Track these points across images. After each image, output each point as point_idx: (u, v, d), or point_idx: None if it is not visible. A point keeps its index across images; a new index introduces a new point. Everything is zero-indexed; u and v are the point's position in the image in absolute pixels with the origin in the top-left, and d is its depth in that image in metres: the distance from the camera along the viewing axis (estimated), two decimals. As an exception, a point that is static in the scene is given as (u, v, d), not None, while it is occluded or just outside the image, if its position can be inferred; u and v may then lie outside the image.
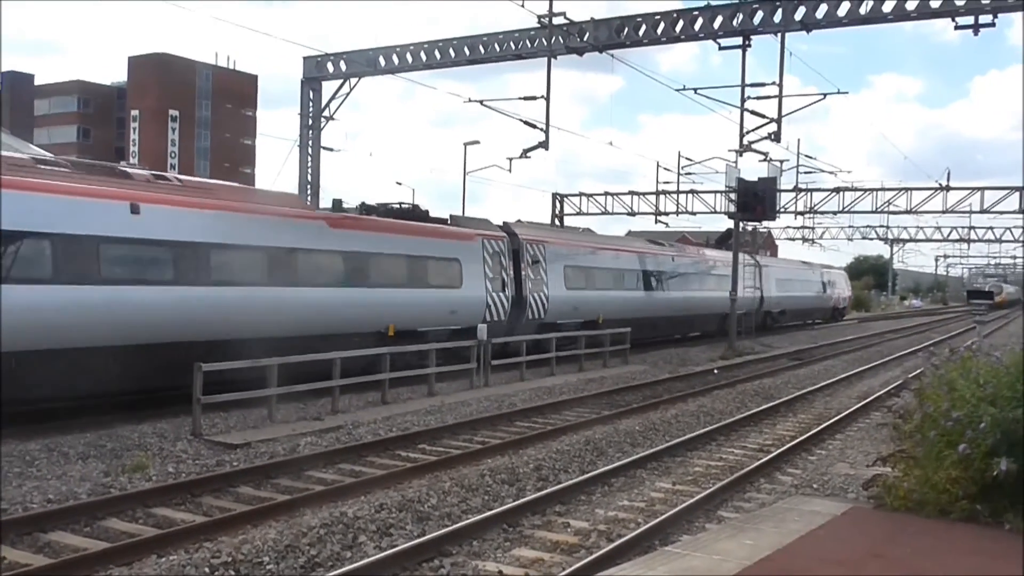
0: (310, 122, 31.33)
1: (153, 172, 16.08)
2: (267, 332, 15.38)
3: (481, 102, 26.52)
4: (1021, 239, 54.27)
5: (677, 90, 28.04)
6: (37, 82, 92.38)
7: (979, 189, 38.16)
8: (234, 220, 15.54)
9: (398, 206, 21.54)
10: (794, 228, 57.75)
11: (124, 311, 13.53)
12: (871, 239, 60.47)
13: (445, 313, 20.28)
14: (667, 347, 30.40)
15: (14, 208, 12.17)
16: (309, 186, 31.01)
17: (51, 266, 12.79)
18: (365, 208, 20.23)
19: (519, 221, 25.54)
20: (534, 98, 25.90)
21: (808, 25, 23.63)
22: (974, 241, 58.53)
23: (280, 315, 15.97)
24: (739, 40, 25.07)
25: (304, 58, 31.26)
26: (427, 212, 21.82)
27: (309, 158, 31.25)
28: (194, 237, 14.72)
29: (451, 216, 22.59)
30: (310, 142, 31.33)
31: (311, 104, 31.38)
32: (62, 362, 12.71)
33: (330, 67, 30.92)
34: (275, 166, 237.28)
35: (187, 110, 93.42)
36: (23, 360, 12.13)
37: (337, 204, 19.82)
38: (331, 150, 32.23)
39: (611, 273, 28.00)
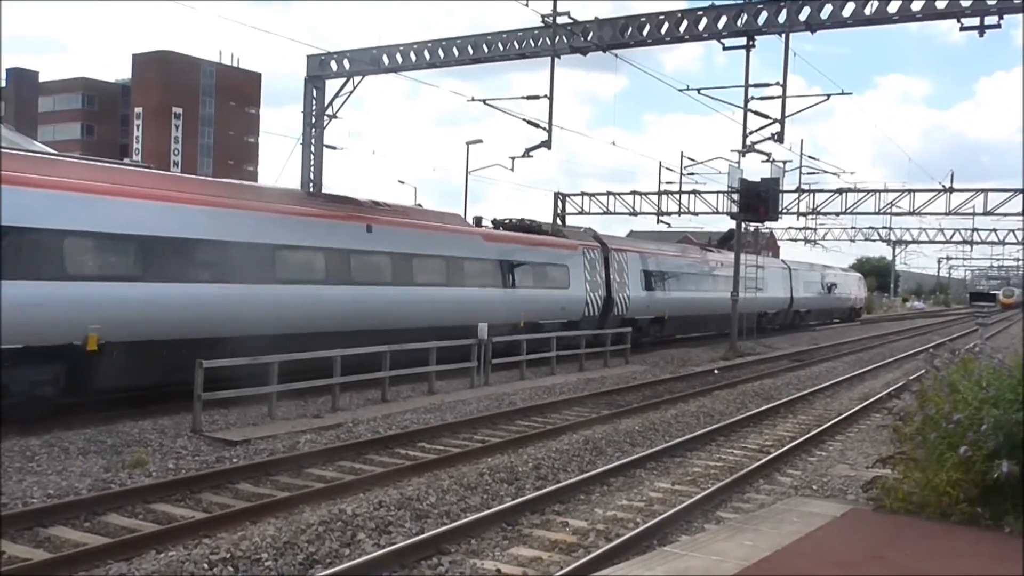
0: (313, 120, 31.32)
1: (373, 200, 20.26)
2: (448, 322, 19.63)
3: (484, 101, 26.42)
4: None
5: (680, 90, 27.98)
6: (42, 79, 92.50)
7: (982, 191, 38.03)
8: (426, 236, 20.20)
9: (519, 221, 25.99)
10: (796, 229, 57.67)
11: (361, 305, 17.59)
12: (873, 240, 60.37)
13: (557, 309, 24.61)
14: (668, 347, 30.45)
15: (300, 231, 16.75)
16: (311, 184, 31.00)
17: (325, 272, 17.15)
18: (495, 223, 24.88)
19: (630, 235, 31.14)
20: (537, 97, 25.84)
21: (812, 26, 23.54)
22: (977, 243, 58.30)
23: (456, 309, 20.30)
24: (743, 40, 24.99)
25: (308, 56, 31.20)
26: (541, 225, 26.58)
27: (312, 156, 31.21)
28: (404, 249, 19.25)
29: (558, 228, 27.79)
30: (313, 140, 31.30)
31: (314, 102, 31.33)
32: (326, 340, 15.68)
33: (333, 65, 30.87)
34: (278, 164, 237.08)
35: (191, 108, 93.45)
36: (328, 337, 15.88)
37: (477, 220, 23.79)
38: (334, 148, 32.15)
39: (674, 277, 32.43)
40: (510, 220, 25.44)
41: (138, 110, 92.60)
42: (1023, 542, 7.02)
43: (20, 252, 12.17)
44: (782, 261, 45.58)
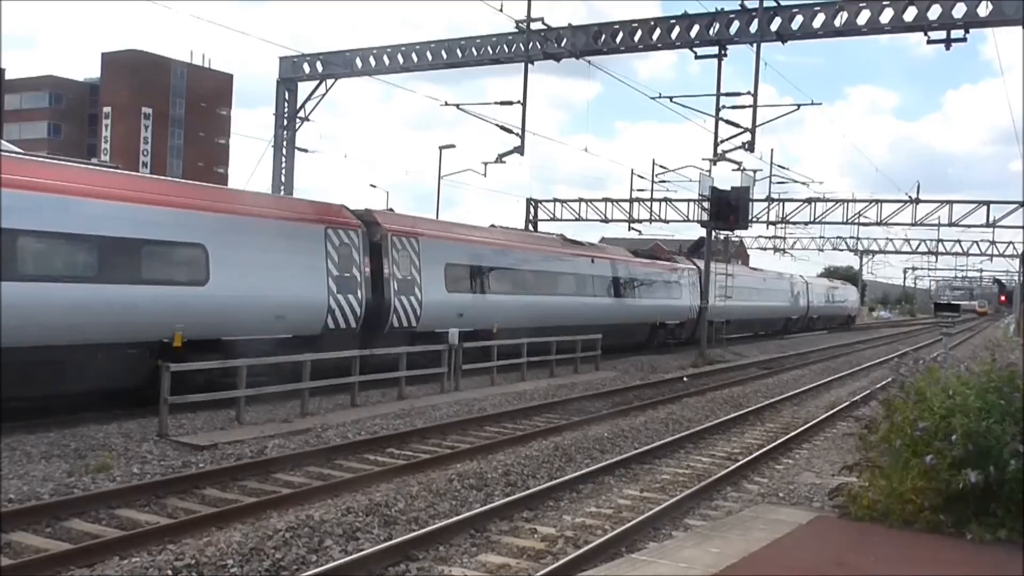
0: (285, 123, 31.13)
1: (589, 242, 31.70)
2: (632, 320, 30.97)
3: (458, 106, 26.46)
4: (987, 252, 55.03)
5: (653, 98, 28.18)
6: (8, 76, 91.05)
7: (947, 202, 38.56)
8: (618, 264, 30.93)
9: (645, 250, 38.07)
10: (765, 238, 58.30)
11: (578, 310, 27.19)
12: (841, 250, 61.21)
13: (675, 313, 35.05)
14: (638, 354, 30.62)
15: (563, 264, 27.57)
16: (283, 187, 30.79)
17: (575, 289, 27.74)
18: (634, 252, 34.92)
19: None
20: (511, 103, 25.87)
21: (784, 36, 23.78)
22: (942, 254, 59.18)
23: (634, 312, 31.33)
24: (715, 49, 25.19)
25: (280, 58, 31.03)
26: (661, 251, 38.25)
27: (283, 159, 31.03)
28: (609, 274, 30.00)
29: (673, 256, 38.16)
30: (284, 143, 31.11)
31: (286, 104, 31.16)
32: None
33: (306, 68, 30.72)
34: (249, 166, 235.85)
35: (161, 108, 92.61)
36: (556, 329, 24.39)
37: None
38: (306, 151, 31.99)
39: (735, 290, 39.49)
40: (642, 248, 38.38)
41: (107, 109, 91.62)
42: None
43: (474, 279, 22.57)
44: (801, 277, 55.82)
